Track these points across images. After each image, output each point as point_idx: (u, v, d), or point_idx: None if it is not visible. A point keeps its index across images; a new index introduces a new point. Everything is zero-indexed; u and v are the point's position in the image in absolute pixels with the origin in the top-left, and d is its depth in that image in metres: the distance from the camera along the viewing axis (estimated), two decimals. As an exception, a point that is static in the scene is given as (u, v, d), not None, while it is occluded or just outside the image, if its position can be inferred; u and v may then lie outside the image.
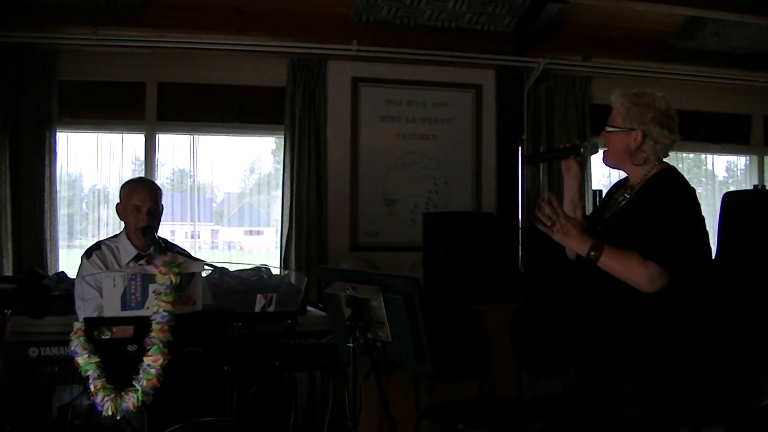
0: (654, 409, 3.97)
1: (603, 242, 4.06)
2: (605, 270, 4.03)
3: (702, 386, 3.89)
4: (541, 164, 8.89)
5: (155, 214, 5.48)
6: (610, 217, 4.34)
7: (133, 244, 5.45)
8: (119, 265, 5.33)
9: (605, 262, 4.02)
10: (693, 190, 4.15)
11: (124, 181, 5.78)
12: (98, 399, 4.34)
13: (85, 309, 5.09)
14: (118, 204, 5.54)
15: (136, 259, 5.38)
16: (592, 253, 4.04)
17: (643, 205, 4.15)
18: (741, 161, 10.36)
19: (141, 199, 5.41)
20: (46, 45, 7.44)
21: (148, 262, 5.20)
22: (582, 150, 4.53)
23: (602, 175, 9.26)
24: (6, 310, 5.67)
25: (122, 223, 5.57)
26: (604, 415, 4.25)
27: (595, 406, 4.33)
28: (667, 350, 3.95)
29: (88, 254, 5.44)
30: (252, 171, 8.81)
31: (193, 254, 6.03)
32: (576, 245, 4.13)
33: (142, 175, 7.81)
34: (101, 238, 5.78)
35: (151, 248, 5.33)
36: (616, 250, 4.00)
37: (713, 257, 7.54)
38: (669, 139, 4.17)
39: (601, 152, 4.50)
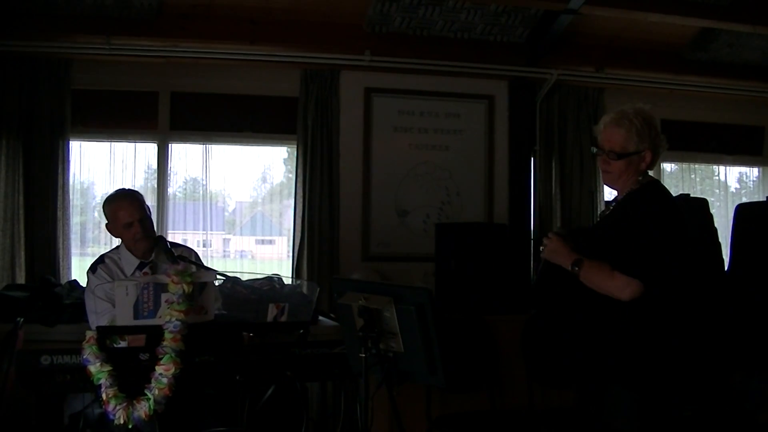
0: (647, 417, 3.98)
1: (583, 257, 4.17)
2: (587, 284, 4.14)
3: (711, 400, 3.88)
4: (554, 175, 8.87)
5: (147, 221, 5.45)
6: (592, 229, 4.61)
7: (133, 254, 5.43)
8: (125, 276, 5.33)
9: (584, 275, 4.15)
10: (675, 203, 4.28)
11: (104, 200, 5.68)
12: (110, 407, 4.34)
13: (98, 323, 5.08)
14: (107, 224, 5.49)
15: (140, 267, 5.38)
16: (576, 268, 4.17)
17: (619, 217, 4.26)
18: (753, 172, 10.34)
19: (129, 215, 5.35)
20: (60, 54, 7.47)
21: (153, 270, 5.29)
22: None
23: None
24: (18, 319, 5.70)
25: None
26: (597, 421, 4.27)
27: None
28: (656, 357, 4.03)
29: (93, 269, 5.43)
30: (264, 180, 8.82)
31: (205, 263, 6.00)
32: (563, 261, 4.26)
33: (154, 183, 7.85)
34: (114, 246, 5.76)
35: (152, 255, 5.34)
36: (593, 264, 4.14)
37: (725, 269, 7.54)
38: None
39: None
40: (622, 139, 4.27)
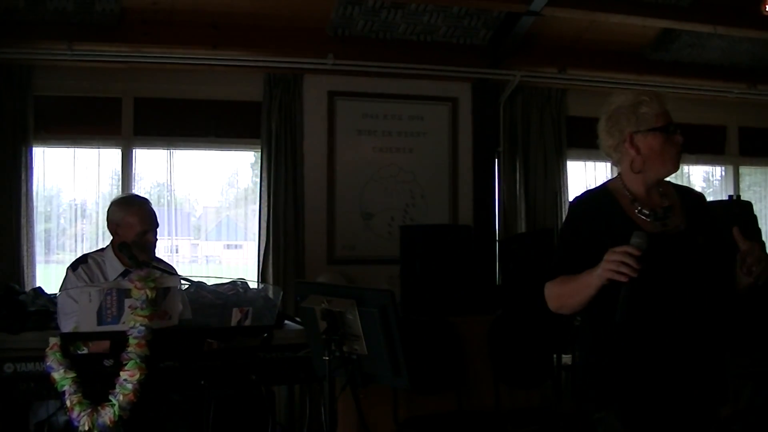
0: None
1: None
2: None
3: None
4: (518, 176, 8.91)
5: (156, 230, 5.44)
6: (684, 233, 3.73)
7: (120, 260, 5.36)
8: (106, 281, 5.25)
9: None
10: None
11: (117, 200, 5.61)
12: (75, 414, 4.33)
13: (65, 324, 5.05)
14: (114, 223, 5.41)
15: (124, 275, 5.22)
16: None
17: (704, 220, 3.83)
18: (718, 171, 10.40)
19: (148, 222, 5.30)
20: (21, 61, 7.42)
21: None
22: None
23: (584, 187, 9.32)
24: (-18, 327, 5.67)
25: (104, 238, 5.49)
26: None
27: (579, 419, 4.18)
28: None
29: (74, 267, 5.33)
30: (231, 185, 8.80)
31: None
32: None
33: (119, 189, 7.80)
34: (81, 253, 5.69)
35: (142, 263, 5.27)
36: None
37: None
38: None
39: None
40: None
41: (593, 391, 3.66)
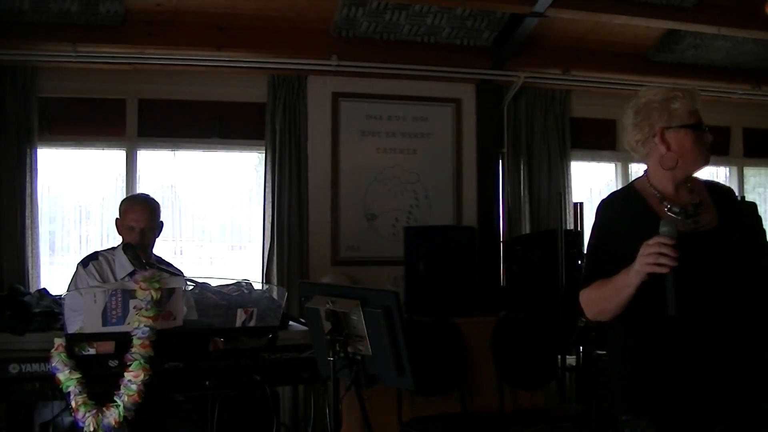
0: None
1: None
2: None
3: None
4: (522, 177, 8.89)
5: (149, 232, 5.43)
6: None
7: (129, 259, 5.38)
8: (114, 279, 5.27)
9: None
10: None
11: (124, 197, 5.70)
12: (79, 415, 4.35)
13: (73, 321, 5.05)
14: (117, 219, 5.51)
15: (131, 275, 5.27)
16: None
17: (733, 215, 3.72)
18: (722, 173, 10.38)
19: (135, 219, 5.35)
20: (26, 62, 7.42)
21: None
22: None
23: (590, 190, 9.30)
24: (-14, 328, 5.67)
25: (109, 239, 5.52)
26: None
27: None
28: None
29: (84, 263, 5.37)
30: (236, 186, 8.78)
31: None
32: None
33: (124, 191, 7.80)
34: (86, 254, 5.72)
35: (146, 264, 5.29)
36: None
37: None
38: None
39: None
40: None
41: (626, 397, 3.57)
